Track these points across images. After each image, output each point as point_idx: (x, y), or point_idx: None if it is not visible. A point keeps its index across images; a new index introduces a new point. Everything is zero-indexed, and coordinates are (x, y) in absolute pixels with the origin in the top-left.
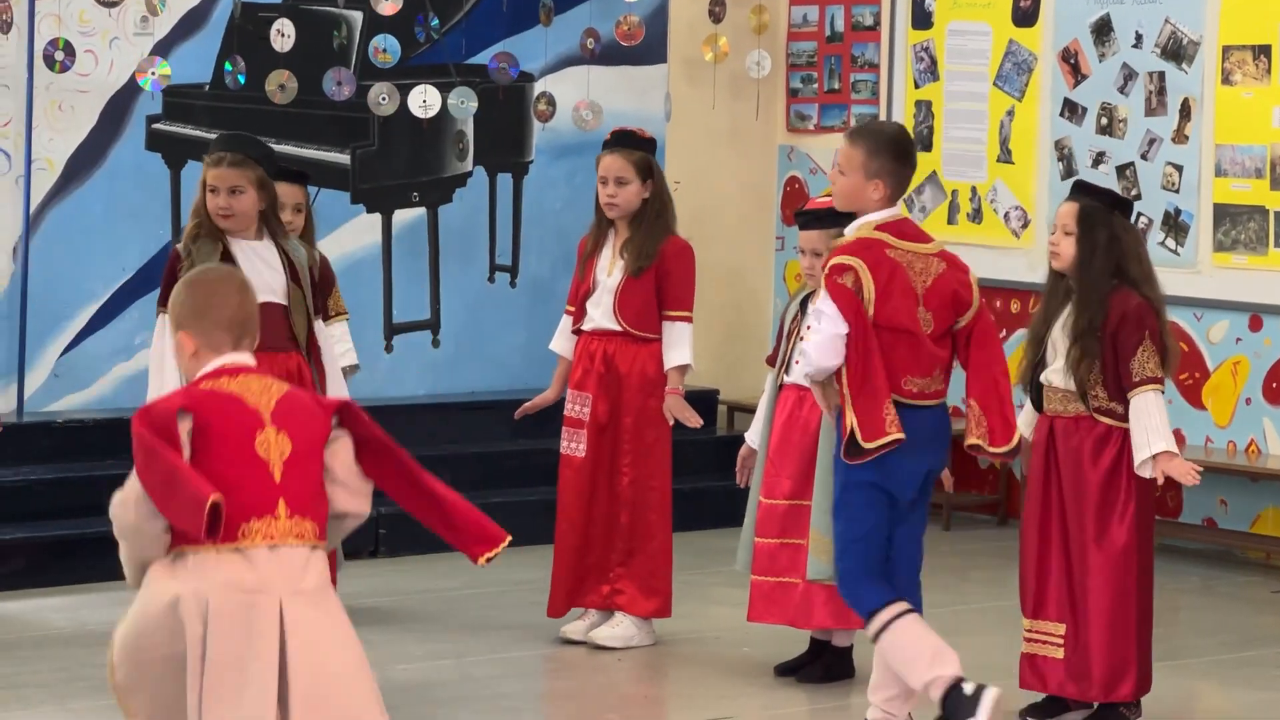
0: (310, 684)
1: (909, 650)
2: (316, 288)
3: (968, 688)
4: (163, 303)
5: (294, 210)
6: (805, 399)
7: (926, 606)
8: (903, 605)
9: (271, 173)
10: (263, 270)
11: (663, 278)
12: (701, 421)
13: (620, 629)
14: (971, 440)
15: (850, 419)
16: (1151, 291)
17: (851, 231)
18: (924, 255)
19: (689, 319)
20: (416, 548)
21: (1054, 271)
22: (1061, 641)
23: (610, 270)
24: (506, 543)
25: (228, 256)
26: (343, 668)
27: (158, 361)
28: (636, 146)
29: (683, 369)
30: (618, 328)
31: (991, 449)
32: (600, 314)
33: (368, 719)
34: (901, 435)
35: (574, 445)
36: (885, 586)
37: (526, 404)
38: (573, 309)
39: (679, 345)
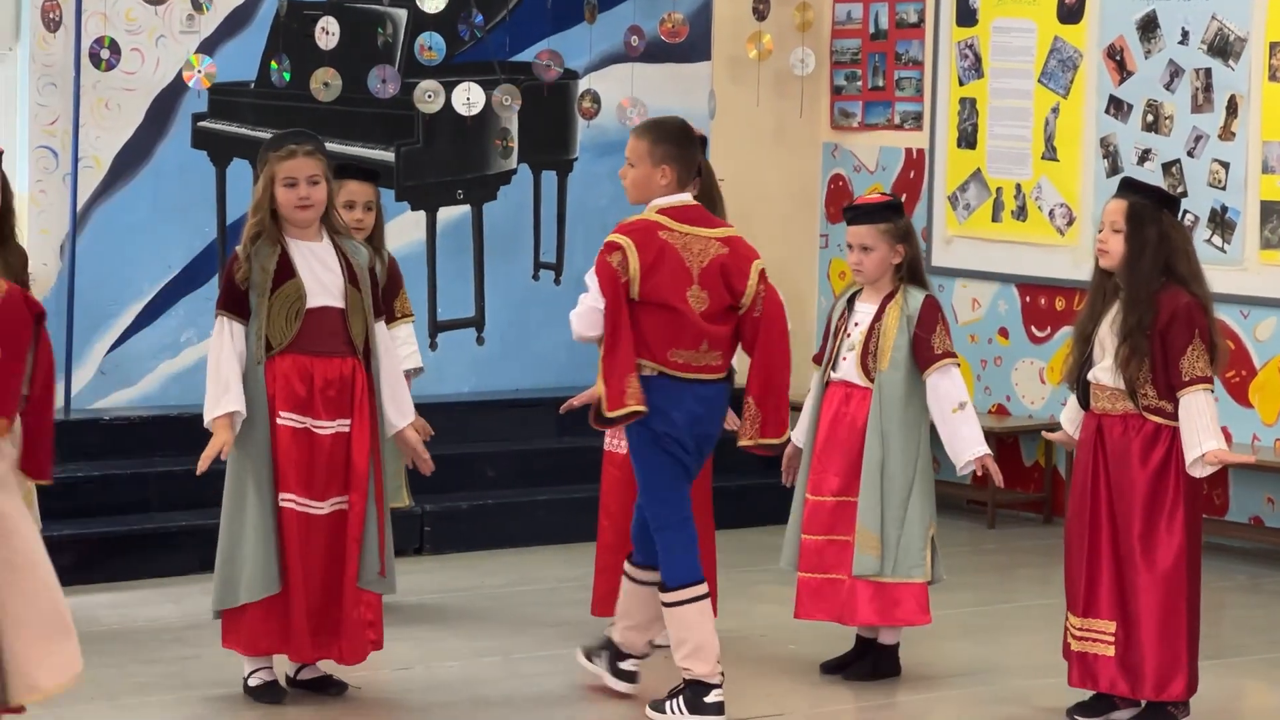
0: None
1: (687, 631)
2: (385, 289)
3: (711, 697)
4: (221, 305)
5: (364, 209)
6: (852, 395)
7: (973, 604)
8: (704, 588)
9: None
10: (320, 273)
11: None
12: (736, 423)
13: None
14: (743, 441)
15: (599, 388)
16: (1200, 289)
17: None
18: (704, 238)
19: None
20: (462, 545)
21: (1100, 269)
22: (1113, 639)
23: None
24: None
25: (285, 259)
26: (24, 544)
27: (215, 362)
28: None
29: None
30: None
31: (764, 440)
32: None
33: (47, 595)
34: (642, 408)
35: (616, 441)
36: (697, 563)
37: (572, 399)
38: None
39: None
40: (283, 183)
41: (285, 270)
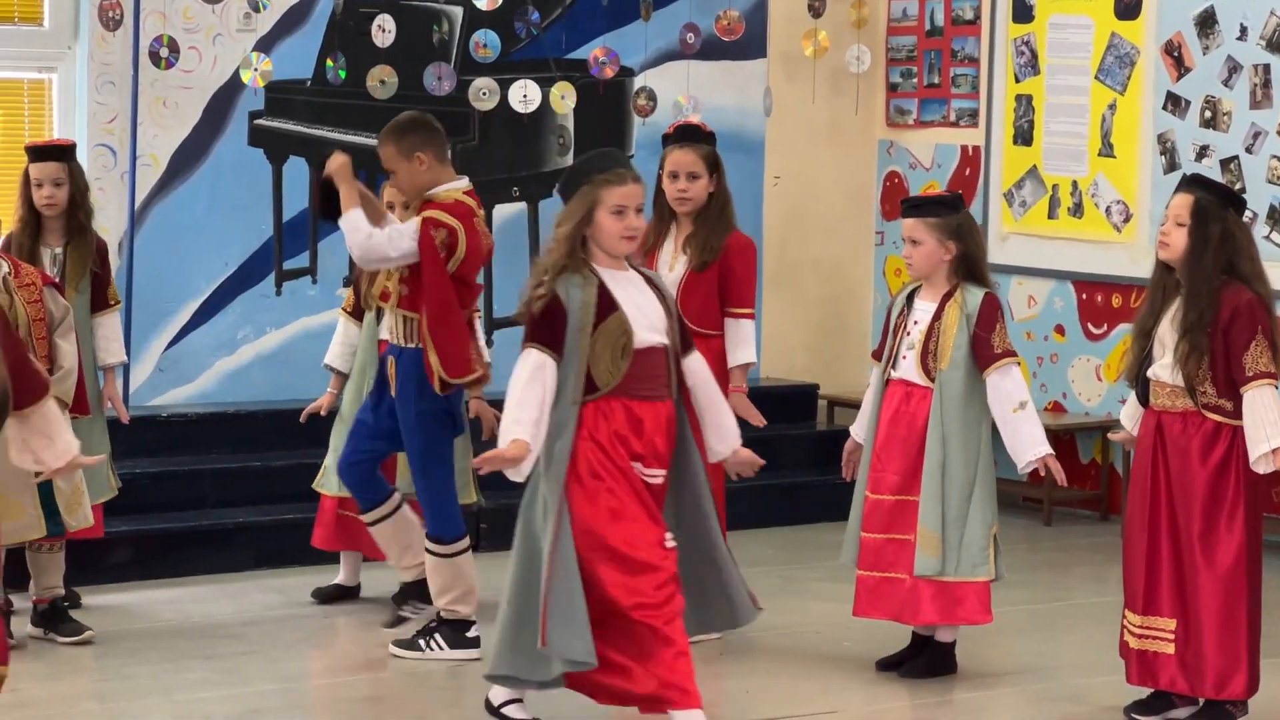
0: None
1: (459, 580)
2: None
3: (471, 631)
4: (532, 338)
5: (403, 208)
6: (912, 394)
7: (1029, 602)
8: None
9: None
10: (644, 305)
11: (726, 274)
12: (765, 421)
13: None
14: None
15: (433, 358)
16: (1262, 288)
17: (440, 192)
18: (481, 217)
19: (752, 315)
20: None
21: (1161, 265)
22: (1173, 637)
23: (672, 265)
24: None
25: (605, 292)
26: None
27: (520, 396)
28: (703, 141)
29: (746, 367)
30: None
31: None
32: None
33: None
34: (487, 374)
35: None
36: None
37: None
38: None
39: (744, 343)
40: (611, 210)
41: (607, 304)
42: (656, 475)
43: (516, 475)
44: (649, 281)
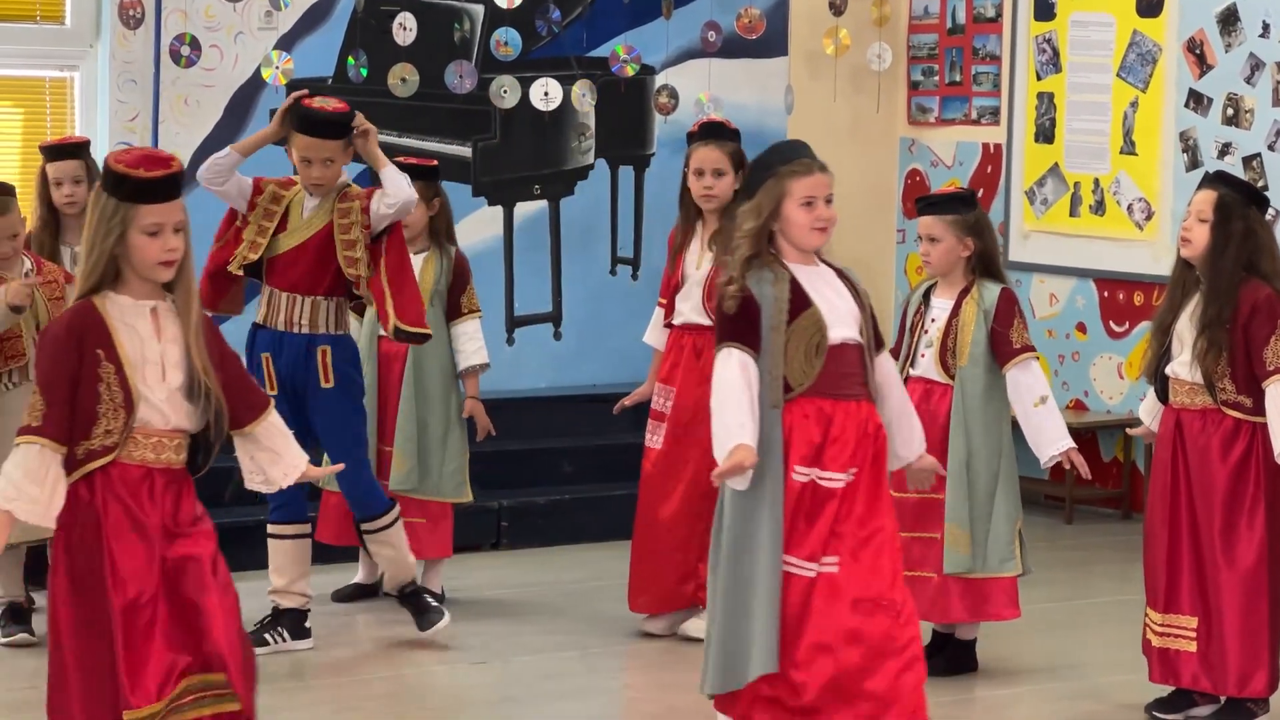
0: None
1: (404, 550)
2: (452, 285)
3: (427, 599)
4: (728, 336)
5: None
6: (932, 392)
7: (1051, 600)
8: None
9: None
10: (836, 301)
11: None
12: None
13: (701, 620)
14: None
15: (390, 307)
16: None
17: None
18: None
19: None
20: (538, 540)
21: (1182, 261)
22: (1194, 635)
23: (699, 263)
24: None
25: (797, 287)
26: None
27: (724, 399)
28: (728, 138)
29: None
30: (708, 321)
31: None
32: (689, 308)
33: None
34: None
35: (653, 438)
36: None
37: (625, 398)
38: (665, 302)
39: None
40: (800, 202)
41: (799, 300)
42: (836, 479)
43: (743, 484)
44: (841, 276)
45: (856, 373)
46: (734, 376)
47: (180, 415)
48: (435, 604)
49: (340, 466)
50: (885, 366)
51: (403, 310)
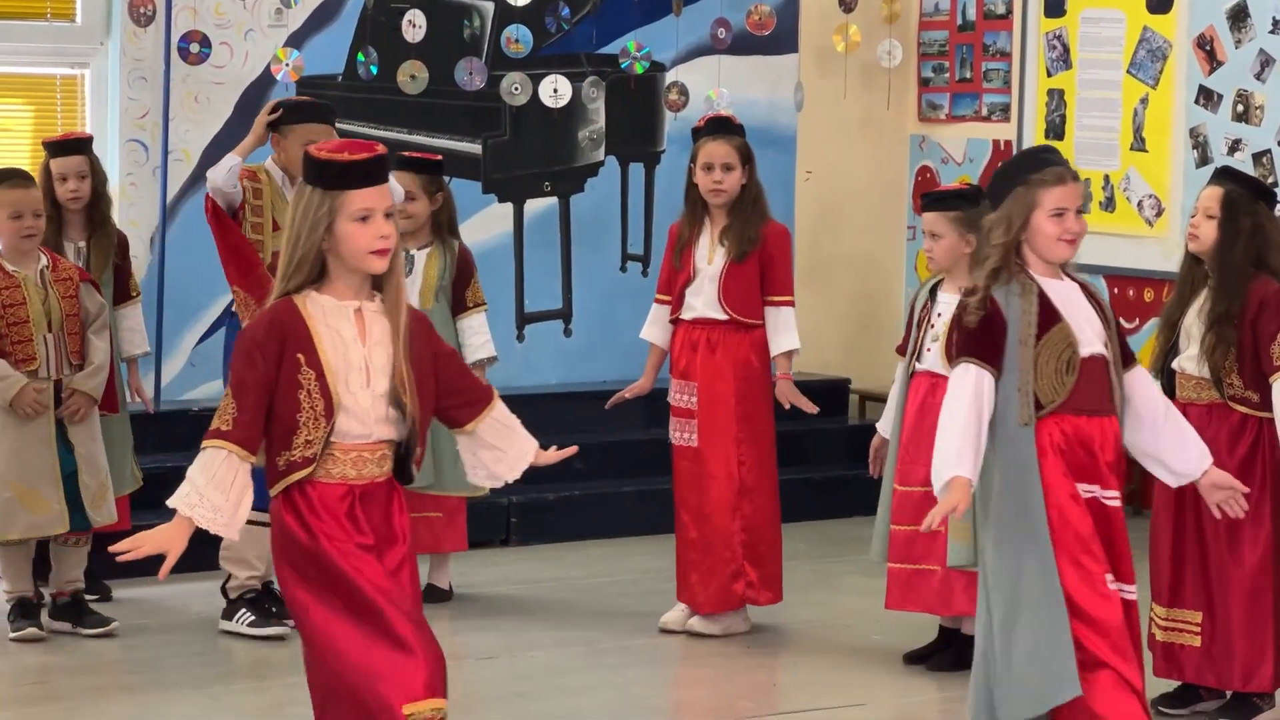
0: None
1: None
2: (456, 278)
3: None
4: (966, 350)
5: (405, 201)
6: (938, 386)
7: None
8: None
9: None
10: (1085, 315)
11: (765, 263)
12: (817, 408)
13: (721, 617)
14: None
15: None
16: None
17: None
18: None
19: (792, 303)
20: (547, 536)
21: (1190, 256)
22: (1199, 630)
23: (710, 258)
24: None
25: (1045, 300)
26: None
27: (954, 417)
28: (735, 132)
29: (791, 354)
30: (722, 315)
31: None
32: (702, 302)
33: None
34: None
35: (686, 436)
36: None
37: (619, 393)
38: (667, 298)
39: (786, 330)
40: (1050, 213)
41: (1049, 314)
42: (1114, 498)
43: (956, 516)
44: (1084, 290)
45: (1105, 388)
46: (966, 396)
47: (382, 425)
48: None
49: (573, 450)
50: (1140, 379)
51: None
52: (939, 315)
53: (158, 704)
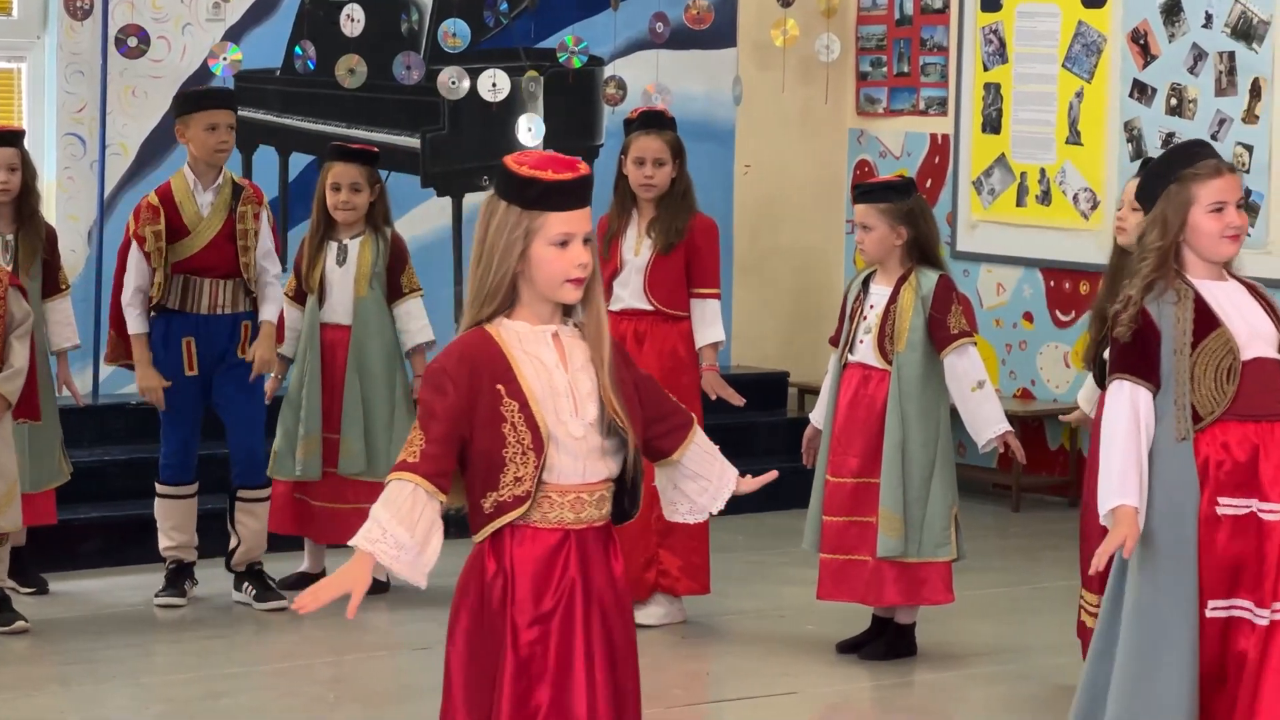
0: None
1: (266, 528)
2: (390, 265)
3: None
4: (1122, 367)
5: (350, 190)
6: (870, 378)
7: (994, 585)
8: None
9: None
10: (1249, 316)
11: (692, 255)
12: (744, 400)
13: (655, 607)
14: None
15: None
16: None
17: None
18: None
19: (718, 295)
20: None
21: (1118, 248)
22: None
23: (637, 250)
24: None
25: (1203, 306)
26: None
27: (1114, 436)
28: (668, 126)
29: (716, 345)
30: (649, 307)
31: None
32: (629, 294)
33: None
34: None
35: None
36: None
37: None
38: None
39: (712, 322)
40: (1209, 208)
41: (1206, 320)
42: (1274, 511)
43: (1125, 553)
44: (1252, 290)
45: (1276, 390)
46: (1124, 415)
47: (596, 459)
48: (275, 587)
49: (773, 475)
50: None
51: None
52: (871, 307)
53: (91, 695)
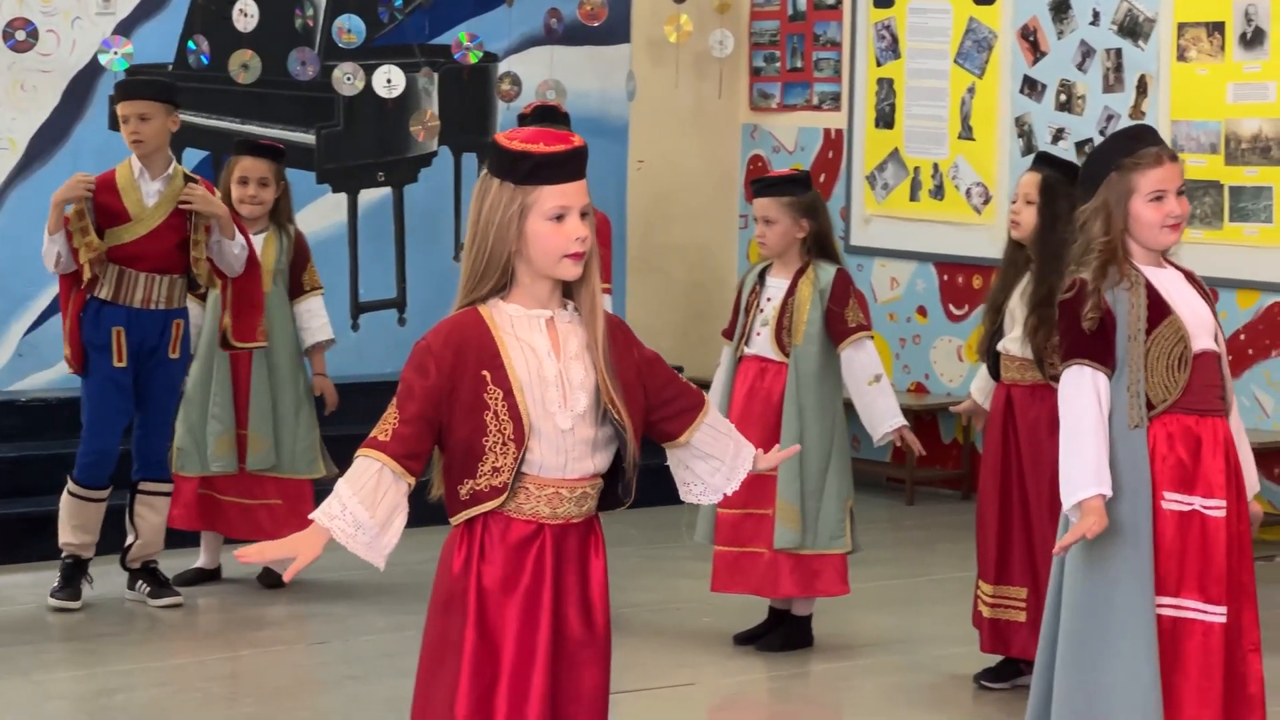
0: None
1: (164, 525)
2: (293, 263)
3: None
4: (1076, 351)
5: (258, 184)
6: (766, 370)
7: (889, 577)
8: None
9: None
10: (1195, 306)
11: None
12: None
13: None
14: None
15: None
16: None
17: None
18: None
19: (609, 290)
20: None
21: (1013, 241)
22: (1024, 605)
23: None
24: None
25: (1154, 294)
26: None
27: (1078, 426)
28: (560, 121)
29: None
30: None
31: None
32: None
33: None
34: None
35: None
36: None
37: None
38: None
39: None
40: (1149, 197)
41: (1158, 307)
42: (1218, 508)
43: (1089, 537)
44: (1189, 278)
45: (1217, 384)
46: (1088, 401)
47: (583, 455)
48: (170, 584)
49: (796, 449)
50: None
51: (239, 330)
52: (768, 300)
53: None
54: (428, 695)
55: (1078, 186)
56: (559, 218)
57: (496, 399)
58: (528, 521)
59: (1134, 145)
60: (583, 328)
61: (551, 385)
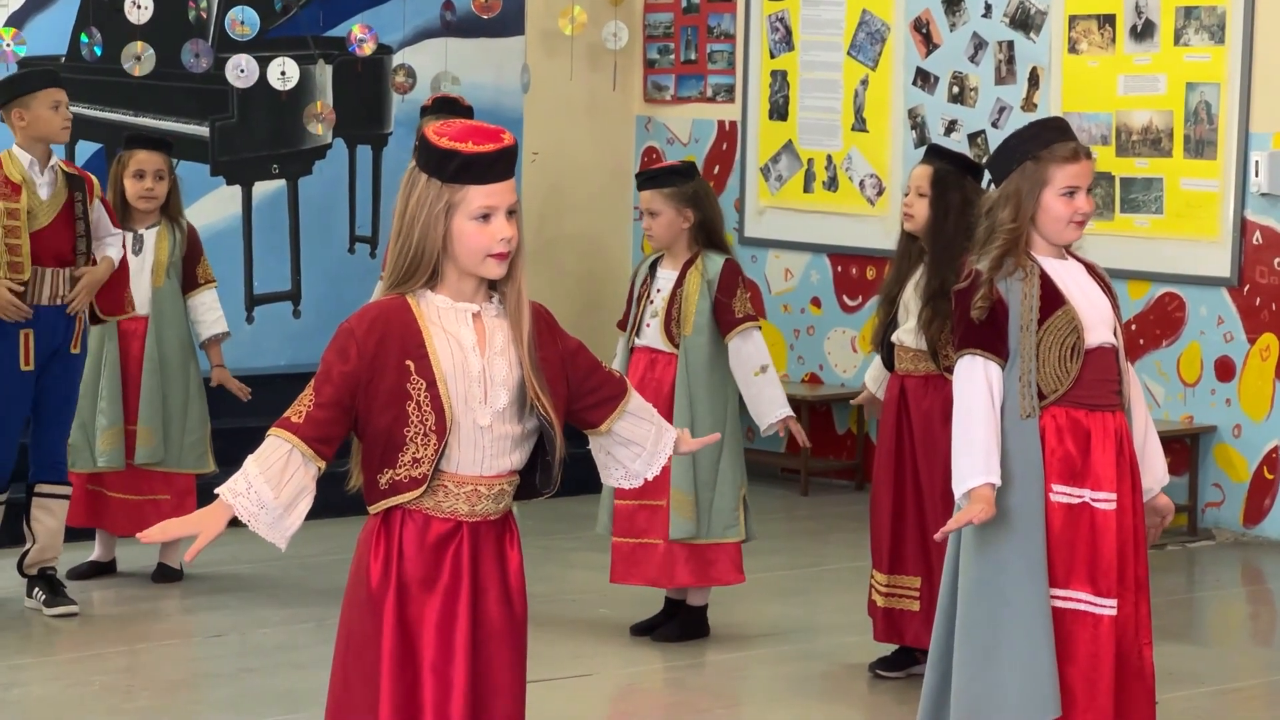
0: None
1: (62, 529)
2: (185, 257)
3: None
4: (969, 341)
5: (155, 178)
6: (657, 361)
7: (784, 568)
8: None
9: None
10: (1093, 298)
11: None
12: None
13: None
14: None
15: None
16: None
17: None
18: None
19: None
20: None
21: (906, 233)
22: (918, 594)
23: None
24: None
25: (1048, 283)
26: None
27: (969, 415)
28: (462, 114)
29: None
30: None
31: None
32: None
33: None
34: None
35: None
36: None
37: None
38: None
39: None
40: (1061, 191)
41: (1052, 297)
42: (1108, 501)
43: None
44: (1091, 270)
45: (1113, 380)
46: (981, 391)
47: (502, 452)
48: (65, 592)
49: (716, 436)
50: (1133, 377)
51: (105, 303)
52: (658, 291)
53: None
54: (346, 696)
55: (987, 170)
56: (485, 217)
57: (419, 389)
58: (445, 519)
59: (1052, 137)
60: (509, 322)
61: (475, 381)
